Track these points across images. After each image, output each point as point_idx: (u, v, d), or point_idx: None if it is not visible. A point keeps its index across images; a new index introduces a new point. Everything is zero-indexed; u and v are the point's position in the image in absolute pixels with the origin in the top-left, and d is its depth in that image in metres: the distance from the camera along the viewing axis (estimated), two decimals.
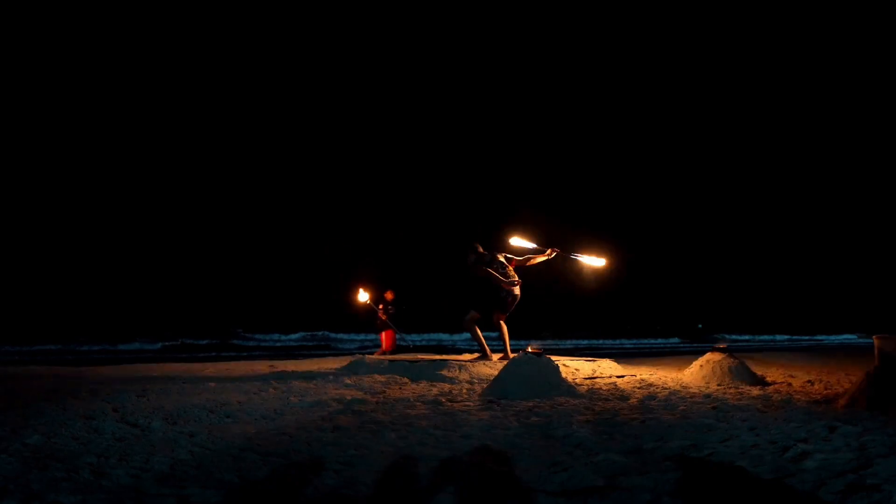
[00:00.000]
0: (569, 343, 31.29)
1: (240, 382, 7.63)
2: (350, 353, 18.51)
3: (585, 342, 33.92)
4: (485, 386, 7.33)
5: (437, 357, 10.28)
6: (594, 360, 10.26)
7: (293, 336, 32.48)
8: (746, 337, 39.38)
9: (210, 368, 10.23)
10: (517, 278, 9.92)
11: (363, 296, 13.68)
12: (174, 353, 21.30)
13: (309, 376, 8.39)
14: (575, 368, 9.28)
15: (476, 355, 10.22)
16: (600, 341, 35.10)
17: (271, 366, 10.73)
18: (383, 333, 14.02)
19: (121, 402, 5.71)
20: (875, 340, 5.70)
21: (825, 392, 6.78)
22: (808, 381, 7.97)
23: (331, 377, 8.24)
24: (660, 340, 37.45)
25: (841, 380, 8.03)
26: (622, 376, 8.83)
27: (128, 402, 5.74)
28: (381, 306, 13.84)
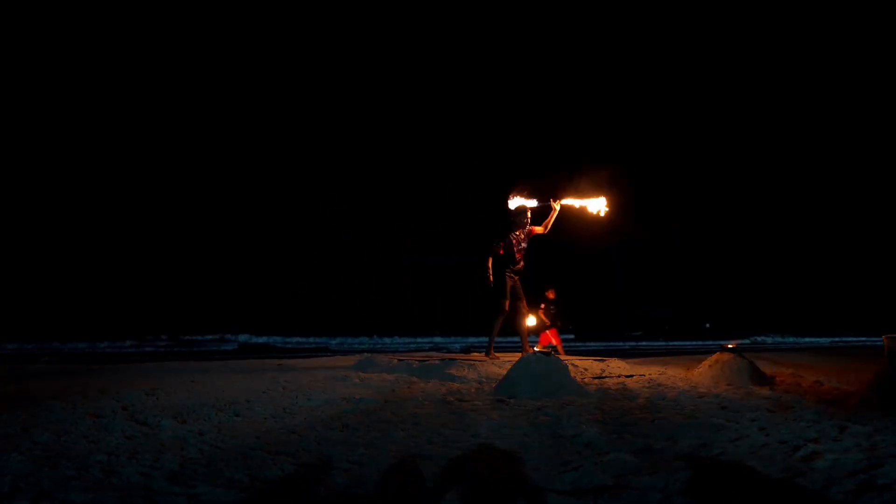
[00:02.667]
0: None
1: (248, 381, 7.65)
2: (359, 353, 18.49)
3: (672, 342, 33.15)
4: (493, 385, 7.33)
5: (446, 356, 10.28)
6: (603, 360, 10.26)
7: (292, 339, 32.38)
8: (772, 338, 38.90)
9: (217, 367, 10.24)
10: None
11: (531, 320, 13.26)
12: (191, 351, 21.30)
13: (317, 375, 8.41)
14: (584, 368, 9.28)
15: (483, 355, 10.20)
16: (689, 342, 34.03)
17: (279, 364, 10.76)
18: (545, 333, 13.61)
19: (130, 401, 5.73)
20: (885, 340, 5.69)
21: (835, 392, 6.76)
22: (818, 381, 7.94)
23: (339, 376, 8.25)
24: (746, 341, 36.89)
25: (850, 380, 8.00)
26: (631, 376, 8.82)
27: (137, 401, 5.76)
28: (542, 306, 13.40)
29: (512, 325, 10.20)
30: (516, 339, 10.47)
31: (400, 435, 4.47)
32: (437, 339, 31.75)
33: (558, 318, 13.55)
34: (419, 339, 32.18)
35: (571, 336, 29.71)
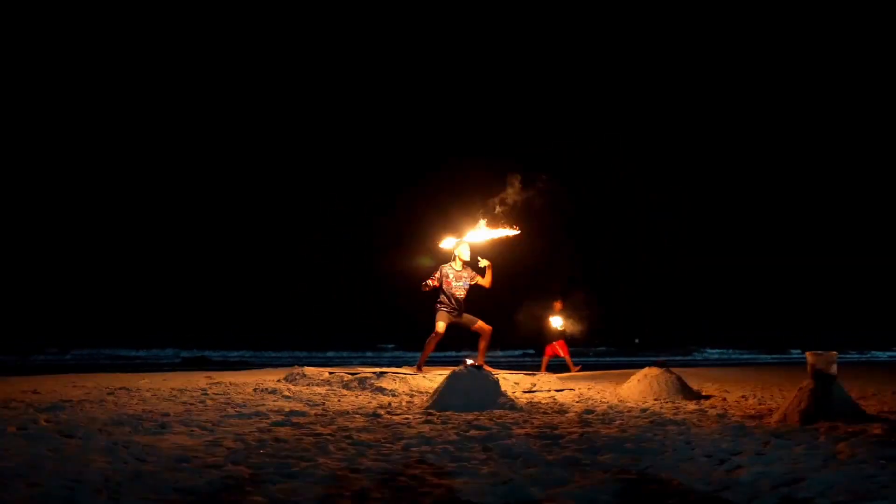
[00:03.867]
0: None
1: (177, 393, 7.52)
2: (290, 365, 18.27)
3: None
4: (425, 398, 7.34)
5: (378, 369, 10.24)
6: (534, 374, 10.34)
7: (230, 353, 31.83)
8: (717, 353, 39.15)
9: (146, 379, 10.03)
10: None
11: (557, 321, 12.81)
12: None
13: (248, 388, 8.31)
14: (514, 382, 9.35)
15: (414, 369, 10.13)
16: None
17: (209, 377, 10.58)
18: (550, 345, 13.14)
19: (54, 413, 5.59)
20: (808, 356, 5.86)
21: (759, 407, 6.93)
22: (743, 397, 8.13)
23: (270, 388, 8.17)
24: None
25: (774, 395, 8.21)
26: (561, 390, 8.92)
27: (62, 413, 5.62)
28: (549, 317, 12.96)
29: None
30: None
31: (330, 448, 4.44)
32: (388, 354, 31.55)
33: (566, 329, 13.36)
34: (372, 353, 31.94)
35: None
